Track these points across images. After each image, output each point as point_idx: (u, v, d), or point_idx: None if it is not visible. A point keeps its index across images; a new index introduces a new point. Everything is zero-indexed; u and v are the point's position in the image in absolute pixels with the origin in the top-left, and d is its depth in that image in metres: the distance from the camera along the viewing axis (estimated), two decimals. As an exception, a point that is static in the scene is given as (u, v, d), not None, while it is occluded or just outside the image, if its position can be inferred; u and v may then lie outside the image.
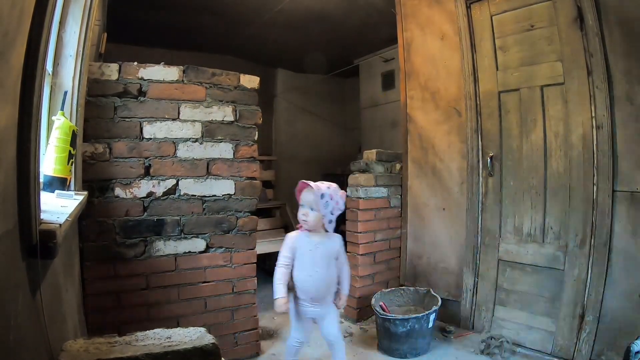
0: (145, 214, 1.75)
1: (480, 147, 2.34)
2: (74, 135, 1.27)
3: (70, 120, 1.34)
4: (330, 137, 5.11)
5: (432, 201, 2.61)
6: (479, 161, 2.34)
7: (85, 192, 1.47)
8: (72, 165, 1.29)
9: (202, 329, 0.95)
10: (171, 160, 1.80)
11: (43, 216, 0.87)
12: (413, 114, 2.72)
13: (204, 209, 1.87)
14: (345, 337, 2.25)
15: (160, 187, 1.78)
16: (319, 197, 1.63)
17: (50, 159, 1.22)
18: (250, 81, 1.98)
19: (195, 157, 1.84)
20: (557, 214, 2.04)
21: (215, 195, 1.89)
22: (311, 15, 3.34)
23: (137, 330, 0.95)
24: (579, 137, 1.93)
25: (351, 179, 2.59)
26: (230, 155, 1.92)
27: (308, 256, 1.69)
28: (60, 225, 0.84)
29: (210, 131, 1.87)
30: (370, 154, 2.66)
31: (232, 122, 1.93)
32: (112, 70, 1.68)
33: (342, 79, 5.12)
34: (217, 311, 1.91)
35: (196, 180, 1.85)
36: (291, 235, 1.74)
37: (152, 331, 0.94)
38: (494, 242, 2.28)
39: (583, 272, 1.91)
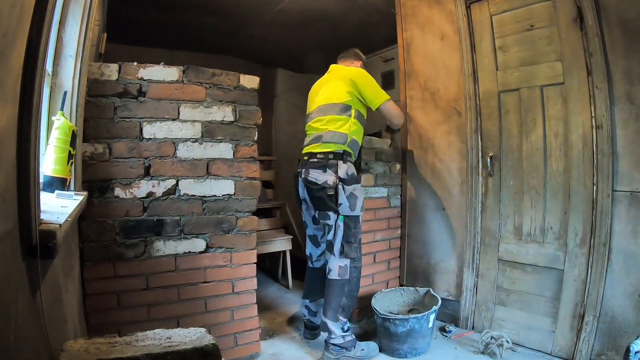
0: (145, 214, 1.75)
1: (480, 147, 2.34)
2: (73, 135, 1.27)
3: (70, 121, 1.34)
4: (330, 137, 5.10)
5: (431, 201, 2.61)
6: (478, 161, 2.34)
7: (85, 192, 1.47)
8: (72, 165, 1.29)
9: (202, 330, 0.95)
10: (171, 161, 1.80)
11: (43, 216, 0.87)
12: (413, 114, 2.72)
13: (203, 209, 1.86)
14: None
15: (160, 187, 1.78)
16: None
17: (50, 159, 1.22)
18: (250, 81, 1.98)
19: (195, 157, 1.84)
20: (557, 213, 2.04)
21: (215, 196, 1.89)
22: (311, 15, 3.34)
23: (137, 331, 0.95)
24: (579, 137, 1.94)
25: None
26: (230, 156, 1.92)
27: None
28: (60, 225, 0.84)
29: (210, 131, 1.87)
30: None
31: (232, 122, 1.93)
32: (112, 71, 1.68)
33: (342, 79, 5.11)
34: (217, 311, 1.91)
35: (196, 180, 1.85)
36: None
37: (152, 331, 0.94)
38: (494, 242, 2.28)
39: (583, 271, 1.91)
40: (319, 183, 2.03)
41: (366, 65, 2.39)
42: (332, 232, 2.07)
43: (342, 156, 2.08)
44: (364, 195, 2.14)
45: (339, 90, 2.13)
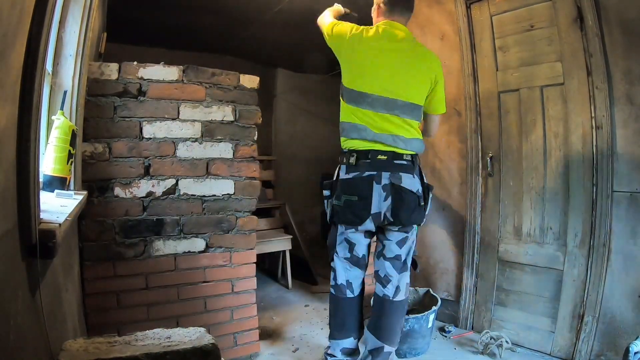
0: (145, 213, 1.75)
1: (479, 147, 2.34)
2: (73, 134, 1.27)
3: (70, 120, 1.34)
4: (330, 137, 5.06)
5: (431, 201, 2.61)
6: (478, 161, 2.34)
7: (85, 192, 1.47)
8: (71, 164, 1.29)
9: (202, 329, 0.95)
10: (171, 160, 1.80)
11: (43, 216, 0.87)
12: (413, 114, 2.72)
13: (203, 209, 1.87)
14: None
15: (159, 187, 1.78)
16: None
17: (50, 158, 1.22)
18: (250, 81, 1.98)
19: (194, 157, 1.85)
20: (557, 214, 2.04)
21: (214, 195, 1.89)
22: (311, 15, 3.31)
23: (137, 330, 0.95)
24: (579, 137, 1.94)
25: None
26: (229, 155, 1.93)
27: None
28: (59, 225, 0.84)
29: (210, 131, 1.88)
30: None
31: (232, 121, 1.93)
32: (111, 70, 1.68)
33: (342, 79, 5.11)
34: (217, 311, 1.91)
35: (196, 180, 1.85)
36: None
37: (151, 331, 0.94)
38: (493, 242, 2.28)
39: (582, 272, 1.91)
40: (414, 191, 1.67)
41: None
42: (407, 246, 1.75)
43: (419, 159, 1.78)
44: None
45: (422, 86, 1.70)
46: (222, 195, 1.91)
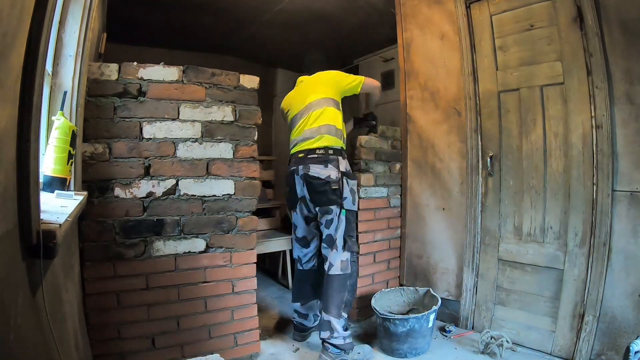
0: (145, 214, 1.75)
1: (480, 147, 2.34)
2: (73, 135, 1.27)
3: (70, 120, 1.34)
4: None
5: (432, 201, 2.61)
6: (478, 161, 2.34)
7: (85, 192, 1.47)
8: (71, 165, 1.29)
9: (216, 356, 0.92)
10: (171, 161, 1.80)
11: (43, 216, 0.87)
12: (413, 114, 2.72)
13: (203, 209, 1.87)
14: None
15: (160, 187, 1.78)
16: None
17: (50, 159, 1.22)
18: (250, 81, 1.98)
19: (195, 157, 1.84)
20: (557, 213, 2.04)
21: (215, 195, 1.89)
22: (311, 15, 3.34)
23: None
24: (579, 136, 1.94)
25: (351, 179, 2.60)
26: (230, 155, 1.92)
27: None
28: (60, 225, 0.84)
29: (210, 131, 1.87)
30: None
31: (232, 122, 1.93)
32: (111, 70, 1.68)
33: (342, 79, 5.11)
34: (217, 311, 1.91)
35: (196, 180, 1.85)
36: None
37: None
38: (493, 242, 2.28)
39: (583, 271, 1.91)
40: (322, 178, 2.04)
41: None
42: (333, 227, 2.06)
43: (340, 152, 2.13)
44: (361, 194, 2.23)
45: (324, 89, 2.20)
46: (223, 195, 1.91)
